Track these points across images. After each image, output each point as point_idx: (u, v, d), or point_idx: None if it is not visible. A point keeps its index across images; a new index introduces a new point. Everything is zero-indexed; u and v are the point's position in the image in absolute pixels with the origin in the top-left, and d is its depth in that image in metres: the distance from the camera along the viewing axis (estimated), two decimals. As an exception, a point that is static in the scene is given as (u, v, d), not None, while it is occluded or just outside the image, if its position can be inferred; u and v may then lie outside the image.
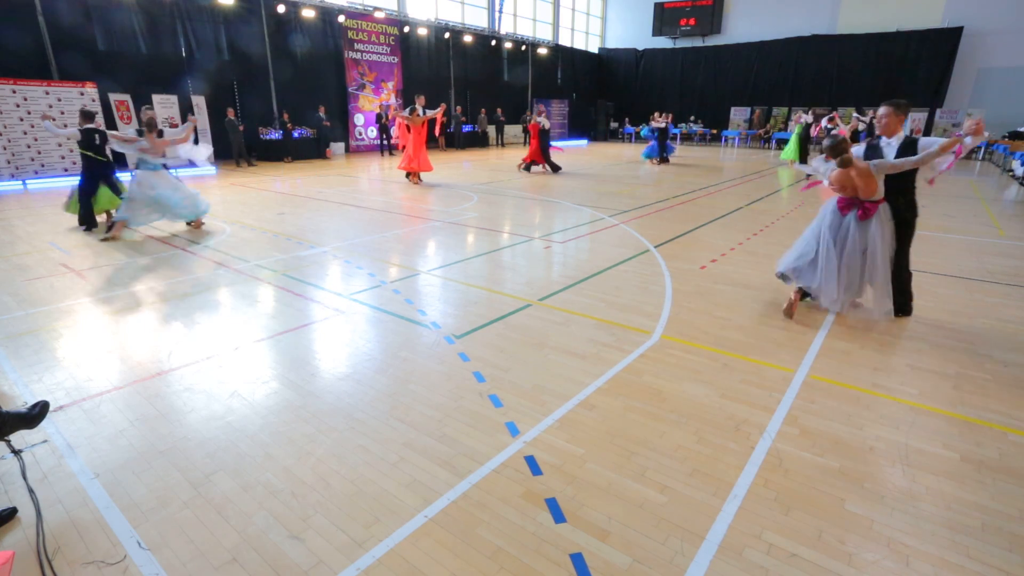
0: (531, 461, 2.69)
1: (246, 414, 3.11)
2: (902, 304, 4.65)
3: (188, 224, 7.88)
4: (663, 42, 29.76)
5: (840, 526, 2.29)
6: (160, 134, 7.55)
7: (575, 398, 3.28)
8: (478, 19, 25.06)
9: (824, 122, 16.40)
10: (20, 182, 11.97)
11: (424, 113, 12.29)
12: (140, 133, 7.49)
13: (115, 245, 7.01)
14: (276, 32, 17.42)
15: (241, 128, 15.89)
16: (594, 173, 15.33)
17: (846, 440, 2.89)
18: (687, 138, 28.14)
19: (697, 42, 28.65)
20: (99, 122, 8.20)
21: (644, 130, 19.81)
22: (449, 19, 23.59)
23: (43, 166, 12.60)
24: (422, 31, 21.62)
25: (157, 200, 7.32)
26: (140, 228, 7.70)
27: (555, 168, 14.97)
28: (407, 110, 12.45)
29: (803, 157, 18.05)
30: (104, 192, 7.91)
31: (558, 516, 2.33)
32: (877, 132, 4.50)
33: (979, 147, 20.23)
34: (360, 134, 20.65)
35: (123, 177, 8.48)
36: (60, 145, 12.60)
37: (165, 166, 7.72)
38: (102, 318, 4.57)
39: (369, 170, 15.74)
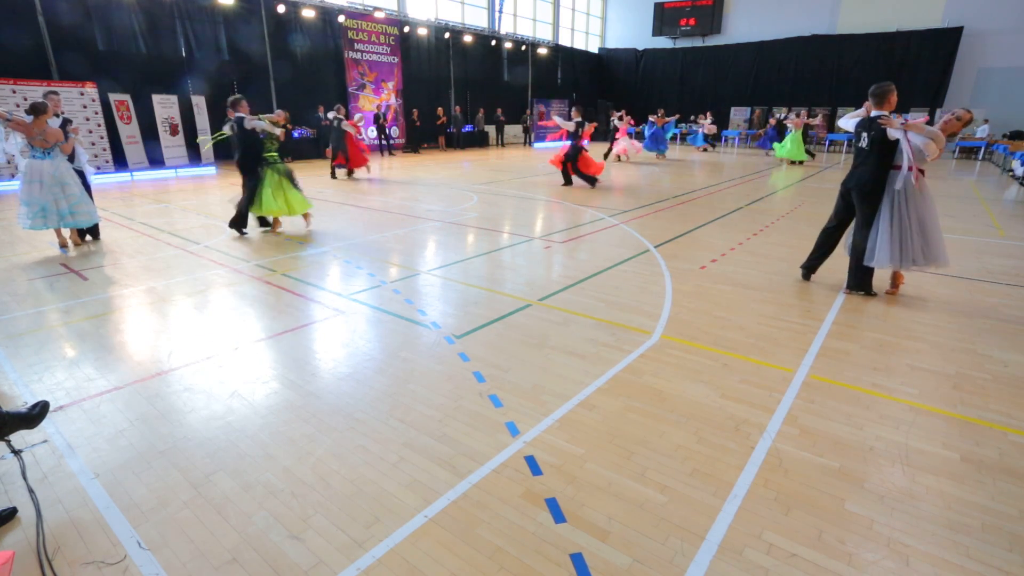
0: (531, 461, 2.69)
1: (246, 414, 3.11)
2: (865, 283, 5.17)
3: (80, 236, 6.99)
4: (663, 42, 29.76)
5: (840, 526, 2.29)
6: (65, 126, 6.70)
7: (575, 398, 3.28)
8: (478, 19, 25.06)
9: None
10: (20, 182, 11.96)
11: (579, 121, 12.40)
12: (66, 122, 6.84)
13: (113, 245, 7.00)
14: (276, 32, 17.42)
15: (241, 128, 15.88)
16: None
17: (846, 440, 2.90)
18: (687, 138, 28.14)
19: (697, 42, 28.65)
20: (244, 107, 7.30)
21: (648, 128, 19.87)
22: (449, 19, 23.59)
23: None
24: (422, 31, 21.61)
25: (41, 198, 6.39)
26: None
27: (349, 173, 13.87)
28: (573, 122, 12.19)
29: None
30: (294, 195, 7.48)
31: (558, 516, 2.33)
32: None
33: (979, 147, 20.25)
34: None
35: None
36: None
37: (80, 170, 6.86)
38: (102, 318, 4.57)
39: (369, 170, 15.73)
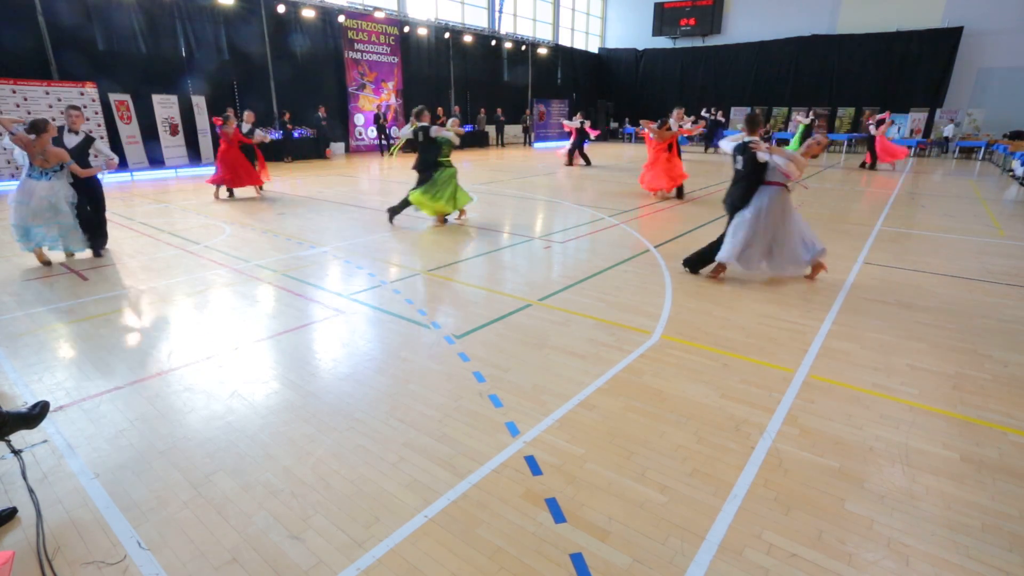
0: (531, 461, 2.69)
1: (246, 414, 3.10)
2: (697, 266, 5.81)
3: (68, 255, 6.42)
4: (663, 42, 29.75)
5: (840, 526, 2.29)
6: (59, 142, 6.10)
7: (575, 398, 3.29)
8: (478, 19, 25.05)
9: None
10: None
11: (676, 127, 10.89)
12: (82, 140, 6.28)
13: (113, 245, 6.99)
14: (276, 32, 17.41)
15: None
16: (593, 173, 15.33)
17: (846, 440, 2.89)
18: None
19: (697, 42, 28.64)
20: (427, 117, 8.03)
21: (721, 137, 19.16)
22: (449, 19, 23.59)
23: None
24: (422, 31, 21.61)
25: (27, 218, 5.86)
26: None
27: (229, 192, 10.88)
28: (657, 122, 10.90)
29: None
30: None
31: (558, 516, 2.33)
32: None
33: (979, 147, 20.26)
34: (360, 134, 20.65)
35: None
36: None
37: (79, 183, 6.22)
38: (102, 318, 4.57)
39: (369, 170, 15.74)
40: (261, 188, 11.09)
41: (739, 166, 5.50)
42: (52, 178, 5.94)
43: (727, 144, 5.82)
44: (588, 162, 17.16)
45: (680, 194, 11.20)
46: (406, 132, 8.11)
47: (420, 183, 8.03)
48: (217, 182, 10.52)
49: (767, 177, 5.36)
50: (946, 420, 3.11)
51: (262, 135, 10.98)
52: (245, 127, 10.81)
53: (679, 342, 4.10)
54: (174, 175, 14.22)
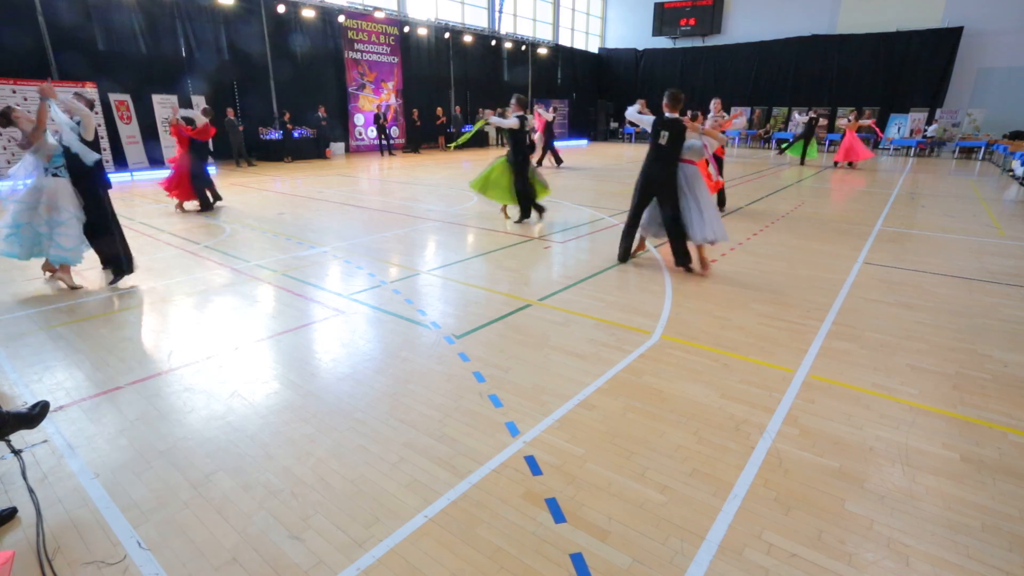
0: (531, 461, 2.69)
1: (246, 414, 3.11)
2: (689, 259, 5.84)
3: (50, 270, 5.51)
4: (663, 42, 29.74)
5: (840, 526, 2.29)
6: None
7: (575, 398, 3.29)
8: (478, 19, 25.04)
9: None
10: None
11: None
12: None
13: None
14: (276, 32, 17.41)
15: (241, 128, 15.88)
16: (594, 174, 15.32)
17: (846, 440, 2.89)
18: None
19: (697, 42, 28.63)
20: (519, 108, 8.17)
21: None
22: (449, 19, 23.58)
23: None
24: (422, 31, 21.61)
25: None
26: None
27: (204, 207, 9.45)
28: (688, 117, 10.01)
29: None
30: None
31: (558, 516, 2.33)
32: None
33: (979, 147, 20.26)
34: (360, 134, 20.65)
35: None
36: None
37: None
38: (102, 318, 4.57)
39: (369, 170, 15.74)
40: (181, 206, 9.46)
41: (663, 141, 5.48)
42: (50, 175, 5.38)
43: (639, 116, 5.82)
44: (541, 163, 15.93)
45: (721, 203, 9.40)
46: (501, 121, 7.95)
47: (524, 175, 8.09)
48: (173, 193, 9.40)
49: (682, 155, 5.59)
50: (946, 420, 3.11)
51: (192, 114, 9.34)
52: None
53: (679, 342, 4.10)
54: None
